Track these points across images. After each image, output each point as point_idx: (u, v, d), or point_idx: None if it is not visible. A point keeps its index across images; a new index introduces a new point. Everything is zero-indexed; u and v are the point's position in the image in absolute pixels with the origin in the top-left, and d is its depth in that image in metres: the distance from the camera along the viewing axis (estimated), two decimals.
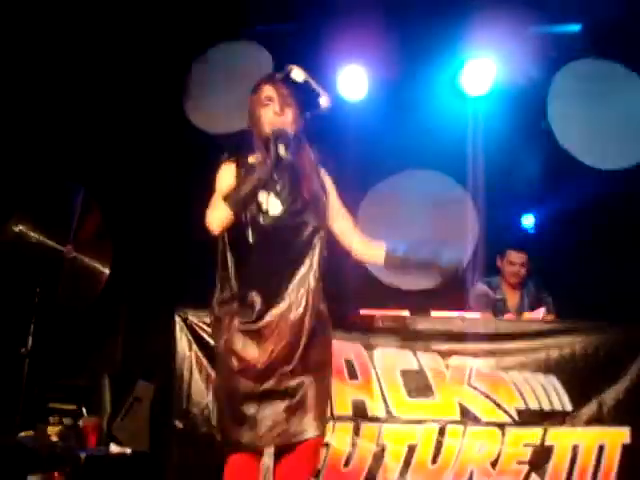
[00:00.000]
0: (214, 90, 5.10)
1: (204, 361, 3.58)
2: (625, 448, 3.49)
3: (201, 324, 3.62)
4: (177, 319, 3.62)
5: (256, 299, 2.68)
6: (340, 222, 2.88)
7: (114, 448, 3.99)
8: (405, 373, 3.53)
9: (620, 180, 4.73)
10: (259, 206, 2.69)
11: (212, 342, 3.55)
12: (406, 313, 3.75)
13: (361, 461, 3.47)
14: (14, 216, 4.31)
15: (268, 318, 2.67)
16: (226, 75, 5.11)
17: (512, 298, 4.43)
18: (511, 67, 5.02)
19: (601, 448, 3.50)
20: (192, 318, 3.63)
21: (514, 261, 4.41)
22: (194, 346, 3.60)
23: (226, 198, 2.66)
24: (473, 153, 5.11)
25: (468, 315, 3.79)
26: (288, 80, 2.76)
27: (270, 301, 2.68)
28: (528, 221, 5.44)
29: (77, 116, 4.86)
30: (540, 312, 4.11)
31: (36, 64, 4.73)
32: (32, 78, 4.74)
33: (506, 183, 5.15)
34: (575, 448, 3.50)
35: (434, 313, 3.77)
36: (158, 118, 5.03)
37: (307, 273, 2.71)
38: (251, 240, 2.68)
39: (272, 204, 2.70)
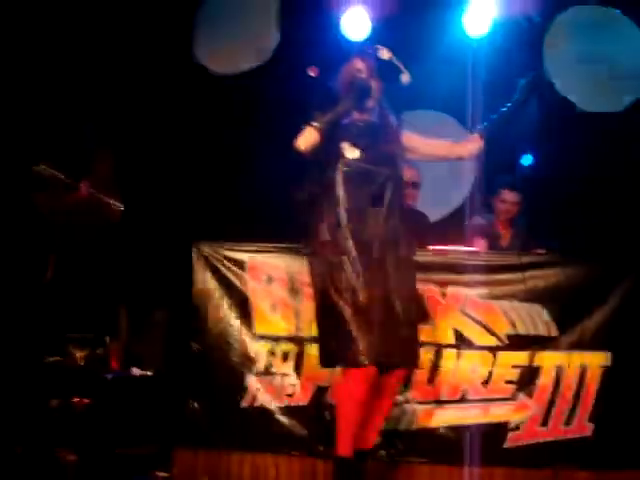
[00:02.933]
0: (222, 31, 5.22)
1: (220, 289, 3.87)
2: (605, 370, 3.77)
3: (216, 255, 3.90)
4: (194, 251, 3.89)
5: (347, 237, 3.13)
6: (429, 146, 3.41)
7: (136, 371, 4.31)
8: None
9: (613, 123, 4.91)
10: (341, 151, 3.16)
11: (226, 273, 3.90)
12: None
13: None
14: (34, 156, 4.53)
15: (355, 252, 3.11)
16: (234, 16, 5.23)
17: (504, 235, 4.67)
18: (512, 8, 5.13)
19: (583, 369, 3.79)
20: (208, 250, 3.90)
21: (506, 200, 4.63)
22: (209, 275, 3.88)
23: (312, 122, 3.13)
24: (474, 93, 5.26)
25: (463, 248, 4.06)
26: (376, 57, 3.24)
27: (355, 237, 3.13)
28: (526, 161, 5.62)
29: (92, 59, 5.01)
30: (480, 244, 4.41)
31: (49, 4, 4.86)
32: (45, 20, 4.88)
33: (505, 124, 5.32)
34: (559, 369, 3.79)
35: (432, 247, 4.04)
36: (168, 58, 5.17)
37: (381, 213, 3.16)
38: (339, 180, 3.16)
39: (351, 151, 3.16)
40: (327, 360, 3.23)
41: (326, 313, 3.15)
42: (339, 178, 3.16)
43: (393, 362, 3.15)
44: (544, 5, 5.08)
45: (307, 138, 3.15)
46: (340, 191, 3.16)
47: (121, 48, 5.13)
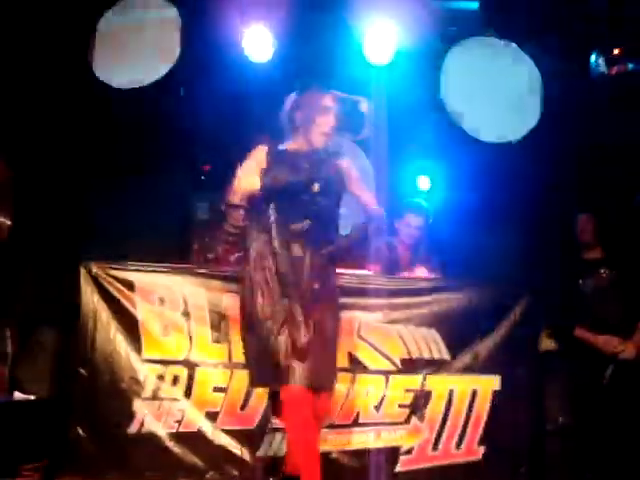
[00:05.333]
0: (120, 44, 5.11)
1: (108, 311, 3.74)
2: (495, 394, 3.87)
3: (105, 276, 3.76)
4: (82, 270, 3.75)
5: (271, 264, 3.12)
6: (361, 191, 3.40)
7: (18, 395, 4.08)
8: None
9: (508, 152, 5.08)
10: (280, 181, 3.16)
11: (115, 293, 3.76)
12: None
13: (257, 405, 3.70)
14: None
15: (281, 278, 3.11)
16: (133, 30, 5.13)
17: (404, 258, 4.72)
18: (412, 38, 5.23)
19: (474, 393, 3.87)
20: (96, 270, 3.76)
21: (411, 224, 4.69)
22: (97, 296, 3.74)
23: (261, 177, 3.14)
24: (375, 118, 5.32)
25: (359, 272, 4.07)
26: (347, 103, 3.30)
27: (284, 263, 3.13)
28: (424, 184, 5.73)
29: None
30: (421, 271, 4.43)
31: None
32: None
33: (406, 150, 5.42)
34: (451, 392, 3.85)
35: None
36: (64, 70, 5.01)
37: (315, 240, 3.16)
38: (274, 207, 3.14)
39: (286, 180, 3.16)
40: (259, 378, 3.21)
41: (253, 335, 3.13)
42: (273, 207, 3.15)
43: (322, 385, 3.15)
44: (443, 36, 5.21)
45: (249, 189, 3.14)
46: (272, 220, 3.14)
47: (15, 58, 4.93)
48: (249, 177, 3.17)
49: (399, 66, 5.28)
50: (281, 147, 3.30)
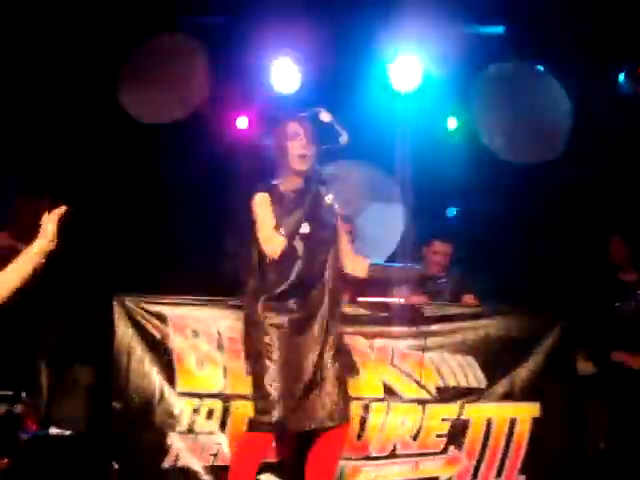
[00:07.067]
0: (149, 81, 5.19)
1: (142, 344, 3.73)
2: (535, 421, 3.78)
3: (138, 309, 3.76)
4: (115, 304, 3.74)
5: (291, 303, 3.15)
6: (344, 244, 3.40)
7: (54, 430, 4.09)
8: None
9: (535, 175, 5.05)
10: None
11: (149, 327, 3.76)
12: None
13: None
14: None
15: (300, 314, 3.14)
16: (161, 67, 5.21)
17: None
18: (438, 65, 5.25)
19: (513, 421, 3.79)
20: (130, 303, 3.76)
21: (438, 250, 4.63)
22: (132, 330, 3.73)
23: (277, 228, 3.11)
24: (402, 147, 5.33)
25: (391, 300, 4.03)
26: (312, 119, 3.17)
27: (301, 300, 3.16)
28: (450, 213, 5.71)
29: (12, 105, 4.89)
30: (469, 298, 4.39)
31: None
32: None
33: (432, 177, 5.42)
34: (489, 421, 3.77)
35: (360, 298, 4.00)
36: (95, 105, 5.09)
37: (327, 279, 3.20)
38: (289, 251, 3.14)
39: (303, 226, 3.17)
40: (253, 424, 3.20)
41: (258, 376, 3.13)
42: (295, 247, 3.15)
43: (319, 424, 3.13)
44: (469, 61, 5.21)
45: (278, 246, 3.11)
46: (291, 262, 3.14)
47: (48, 97, 5.03)
48: (274, 240, 3.12)
49: (426, 93, 5.29)
50: (276, 186, 3.23)
